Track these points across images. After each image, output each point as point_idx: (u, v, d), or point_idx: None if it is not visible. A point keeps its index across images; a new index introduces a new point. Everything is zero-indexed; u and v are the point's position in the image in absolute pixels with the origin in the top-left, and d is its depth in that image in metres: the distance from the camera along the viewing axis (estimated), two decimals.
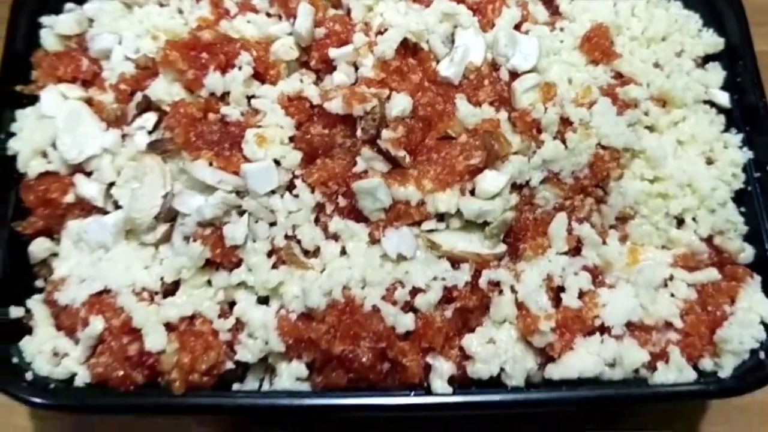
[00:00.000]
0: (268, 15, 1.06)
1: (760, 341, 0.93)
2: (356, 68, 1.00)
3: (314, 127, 0.96)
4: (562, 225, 0.94)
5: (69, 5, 1.10)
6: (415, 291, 0.89)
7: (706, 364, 0.93)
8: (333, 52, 0.99)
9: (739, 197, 1.03)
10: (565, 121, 0.97)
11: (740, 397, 0.91)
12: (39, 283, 1.00)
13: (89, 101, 1.02)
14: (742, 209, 1.02)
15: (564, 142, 0.95)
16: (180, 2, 1.08)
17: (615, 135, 0.96)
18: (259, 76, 1.00)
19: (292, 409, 0.88)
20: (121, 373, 0.88)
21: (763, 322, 0.94)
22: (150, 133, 0.98)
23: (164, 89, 0.98)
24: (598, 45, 1.03)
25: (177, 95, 0.98)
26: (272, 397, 0.89)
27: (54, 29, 1.07)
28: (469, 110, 0.96)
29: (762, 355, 0.93)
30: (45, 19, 1.08)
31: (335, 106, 0.94)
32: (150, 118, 0.98)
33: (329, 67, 1.01)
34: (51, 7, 1.09)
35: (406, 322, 0.88)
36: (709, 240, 1.00)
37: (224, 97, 0.99)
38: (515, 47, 0.99)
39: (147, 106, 0.98)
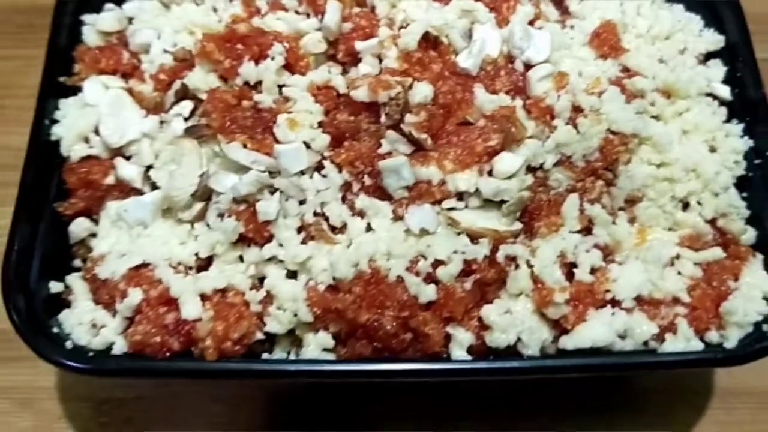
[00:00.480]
0: (297, 13, 1.13)
1: (763, 314, 0.98)
2: (380, 60, 1.06)
3: (341, 114, 1.03)
4: (574, 205, 1.00)
5: (109, 5, 1.18)
6: (436, 264, 0.95)
7: (713, 336, 0.98)
8: (359, 45, 1.06)
9: (741, 183, 1.08)
10: (577, 109, 1.03)
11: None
12: (77, 263, 1.05)
13: (129, 91, 1.08)
14: (744, 194, 1.08)
15: (576, 127, 1.01)
16: (214, 1, 1.15)
17: (624, 121, 1.02)
18: (290, 67, 1.06)
19: (316, 373, 0.93)
20: (158, 339, 0.92)
21: (765, 298, 0.99)
22: (186, 119, 1.04)
23: (201, 79, 1.04)
24: (606, 40, 1.10)
25: (213, 84, 1.04)
26: (299, 364, 0.95)
27: (95, 26, 1.14)
28: (486, 98, 1.02)
29: (766, 327, 0.97)
30: (87, 17, 1.15)
31: (361, 93, 1.00)
32: (187, 106, 1.04)
33: (355, 59, 1.07)
34: (92, 7, 1.17)
35: (429, 293, 0.93)
36: (713, 222, 1.05)
37: (257, 86, 1.05)
38: (529, 41, 1.06)
39: (184, 94, 1.05)
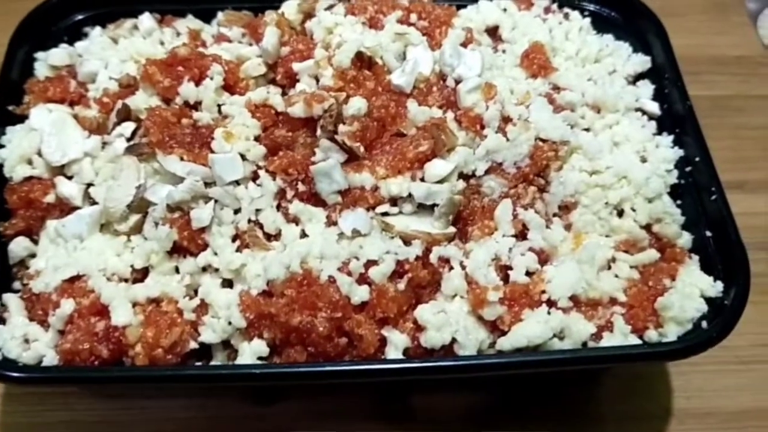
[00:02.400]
0: (240, 44, 1.18)
1: (702, 312, 0.98)
2: (317, 81, 1.10)
3: (279, 130, 1.06)
4: (507, 209, 1.02)
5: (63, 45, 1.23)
6: (369, 264, 0.95)
7: (651, 335, 0.97)
8: (296, 66, 1.10)
9: (674, 192, 1.11)
10: (506, 119, 1.07)
11: None
12: (17, 285, 1.05)
13: (75, 117, 1.11)
14: (678, 202, 1.10)
15: (505, 135, 1.04)
16: (162, 35, 1.20)
17: (551, 128, 1.05)
18: (230, 89, 1.10)
19: (244, 377, 0.91)
20: (87, 346, 0.91)
21: (703, 296, 0.99)
22: (129, 140, 1.07)
23: (143, 100, 1.08)
24: (535, 60, 1.15)
25: (156, 105, 1.08)
26: (227, 368, 0.93)
27: (47, 61, 1.19)
28: (418, 110, 1.05)
29: (704, 324, 0.97)
30: (39, 54, 1.20)
31: (298, 109, 1.04)
32: (129, 127, 1.07)
33: (293, 81, 1.12)
34: (46, 47, 1.22)
35: (361, 293, 0.93)
36: (648, 228, 1.06)
37: (197, 107, 1.09)
38: (460, 59, 1.11)
39: (126, 115, 1.08)
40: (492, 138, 1.04)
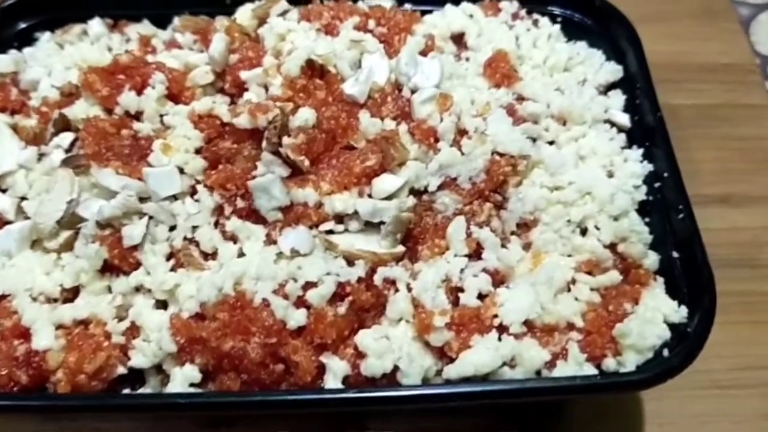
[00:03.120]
0: (191, 50, 1.13)
1: (663, 339, 0.91)
2: (267, 90, 1.05)
3: (224, 142, 1.01)
4: (460, 227, 0.96)
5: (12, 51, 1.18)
6: (307, 286, 0.89)
7: (609, 363, 0.91)
8: (244, 74, 1.05)
9: (642, 209, 1.04)
10: (462, 132, 1.01)
11: None
12: None
13: (14, 126, 1.07)
14: (647, 219, 1.03)
15: (460, 148, 0.99)
16: (109, 40, 1.16)
17: (509, 141, 0.99)
18: (175, 98, 1.05)
19: (166, 406, 0.86)
20: (5, 371, 0.86)
21: (667, 322, 0.93)
22: (67, 151, 1.02)
23: (83, 110, 1.03)
24: (498, 69, 1.09)
25: (94, 115, 1.03)
26: (147, 398, 0.88)
27: None
28: (370, 122, 1.00)
29: (666, 353, 0.91)
30: None
31: (243, 120, 0.98)
32: (67, 137, 1.02)
33: (242, 90, 1.07)
34: None
35: (298, 317, 0.88)
36: (613, 247, 1.00)
37: (140, 117, 1.04)
38: (416, 67, 1.05)
39: (65, 125, 1.03)
40: (445, 152, 0.98)
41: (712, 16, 1.70)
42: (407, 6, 1.23)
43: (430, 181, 0.98)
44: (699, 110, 1.51)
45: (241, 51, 1.07)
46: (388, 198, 0.95)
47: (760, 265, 1.29)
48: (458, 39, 1.19)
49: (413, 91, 1.04)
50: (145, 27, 1.20)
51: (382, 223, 0.94)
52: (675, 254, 0.99)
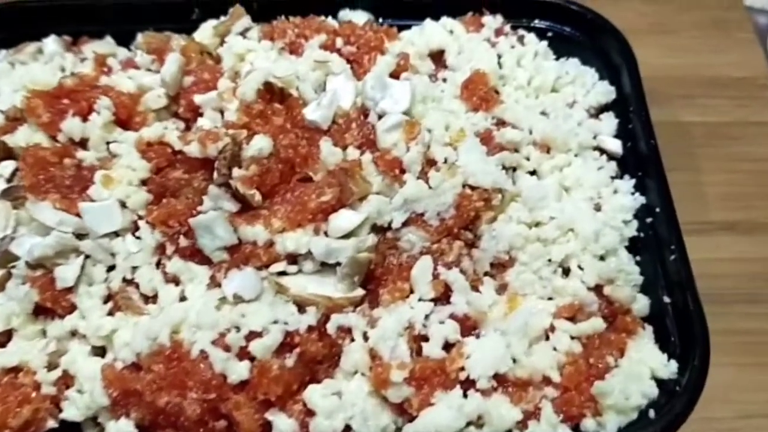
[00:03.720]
0: (149, 71, 1.06)
1: (649, 398, 0.82)
2: (223, 114, 0.97)
3: (175, 172, 0.93)
4: (426, 269, 0.87)
5: None
6: (252, 336, 0.81)
7: (588, 425, 0.82)
8: (198, 98, 0.97)
9: (633, 246, 0.95)
10: (432, 163, 0.92)
11: None
12: None
13: None
14: (637, 258, 0.94)
15: (428, 181, 0.90)
16: (63, 60, 1.09)
17: (482, 173, 0.90)
18: (125, 123, 0.98)
19: None
20: None
21: (654, 377, 0.84)
22: (8, 181, 0.95)
23: (25, 137, 0.96)
24: (476, 91, 1.00)
25: (40, 143, 0.96)
26: None
27: None
28: (331, 151, 0.91)
29: (652, 413, 0.81)
30: None
31: (194, 149, 0.91)
32: (8, 166, 0.95)
33: (197, 114, 0.99)
34: None
35: (239, 370, 0.80)
36: (599, 290, 0.91)
37: (86, 144, 0.96)
38: (384, 91, 0.96)
39: (6, 153, 0.96)
40: (411, 185, 0.89)
41: (724, 26, 1.58)
42: (385, 21, 1.14)
43: (394, 216, 0.89)
44: (708, 128, 1.40)
45: (197, 73, 0.99)
46: (347, 236, 0.86)
47: None
48: (438, 57, 1.10)
49: (381, 117, 0.96)
50: (105, 45, 1.13)
51: (338, 264, 0.85)
52: (666, 299, 0.89)
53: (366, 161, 0.92)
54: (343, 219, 0.86)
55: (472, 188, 0.91)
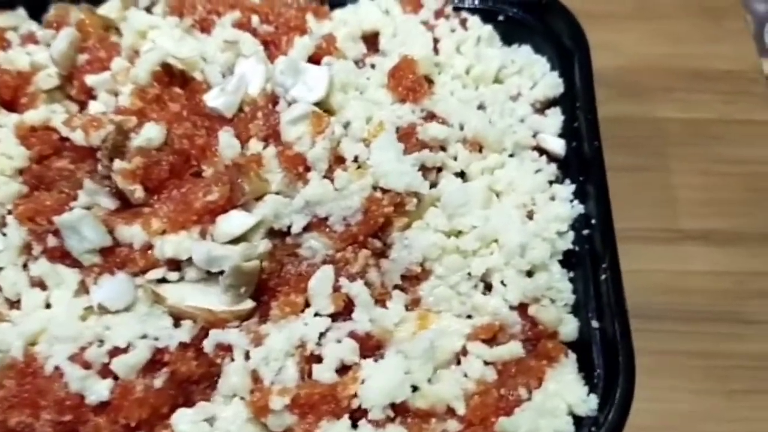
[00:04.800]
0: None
1: None
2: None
3: (60, 161, 0.84)
4: (325, 280, 0.78)
5: None
6: (116, 352, 0.72)
7: None
8: (90, 79, 0.88)
9: (568, 260, 0.85)
10: (341, 161, 0.82)
11: None
12: None
13: None
14: (572, 274, 0.84)
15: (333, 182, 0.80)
16: None
17: (395, 175, 0.80)
18: (9, 105, 0.89)
19: None
20: None
21: (571, 413, 0.74)
22: None
23: None
24: (403, 79, 0.89)
25: None
26: None
27: None
28: (229, 143, 0.82)
29: None
30: None
31: (77, 136, 0.82)
32: None
33: (91, 97, 0.89)
34: None
35: (99, 390, 0.71)
36: (523, 309, 0.81)
37: None
38: (297, 77, 0.86)
39: None
40: (314, 185, 0.79)
41: (715, 14, 1.44)
42: None
43: (294, 220, 0.79)
44: (687, 125, 1.28)
45: (92, 50, 0.90)
46: (236, 241, 0.77)
47: (742, 320, 1.06)
48: (372, 40, 0.99)
49: (292, 105, 0.86)
50: (12, 17, 1.03)
51: (222, 273, 0.76)
52: (595, 323, 0.79)
53: (269, 155, 0.82)
54: (232, 222, 0.77)
55: (384, 191, 0.81)
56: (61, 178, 0.82)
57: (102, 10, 0.96)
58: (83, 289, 0.77)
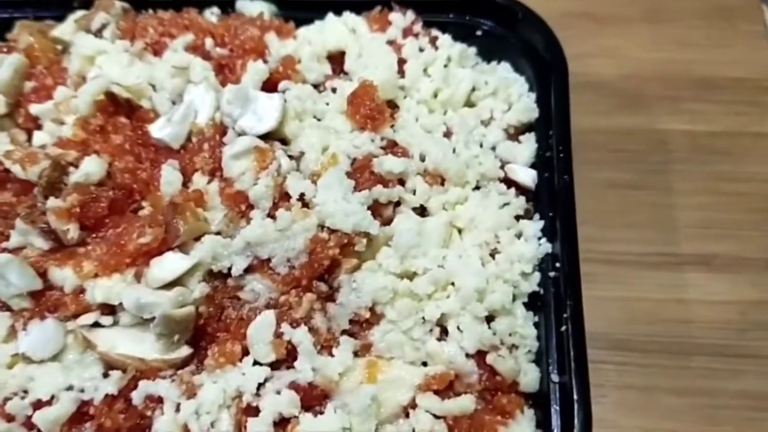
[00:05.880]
0: None
1: None
2: None
3: (2, 195, 0.81)
4: (265, 326, 0.73)
5: None
6: (39, 405, 0.69)
7: None
8: (34, 108, 0.85)
9: (533, 303, 0.79)
10: (287, 198, 0.77)
11: None
12: None
13: None
14: (536, 319, 0.78)
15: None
16: None
17: (341, 214, 0.75)
18: None
19: None
20: None
21: None
22: None
23: None
24: (359, 107, 0.84)
25: None
26: None
27: None
28: (169, 179, 0.78)
29: None
30: None
31: (18, 169, 0.79)
32: None
33: (37, 126, 0.86)
34: None
35: None
36: (482, 356, 0.75)
37: None
38: (246, 105, 0.81)
39: None
40: (254, 225, 0.75)
41: (730, 16, 1.35)
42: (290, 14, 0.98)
43: (234, 261, 0.75)
44: (692, 139, 1.20)
45: (39, 77, 0.86)
46: (171, 284, 0.73)
47: (741, 354, 0.99)
48: (339, 58, 0.93)
49: (241, 136, 0.81)
50: None
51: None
52: (555, 377, 0.73)
53: (213, 191, 0.78)
54: (165, 265, 0.73)
55: (331, 231, 0.75)
56: (1, 213, 0.79)
57: (56, 31, 0.93)
58: (13, 333, 0.74)
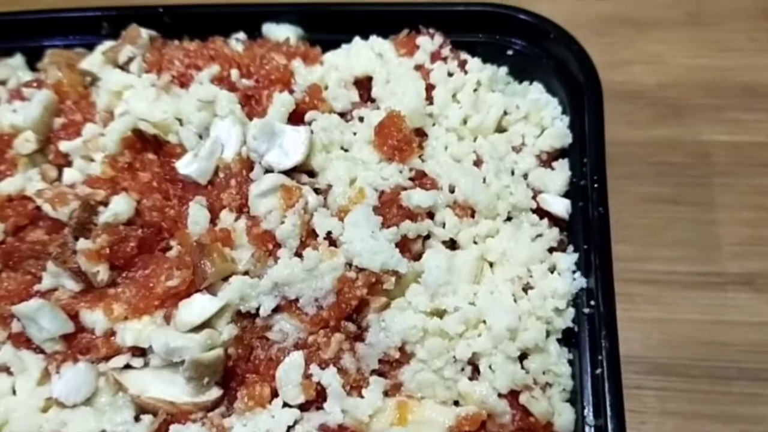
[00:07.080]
0: None
1: None
2: None
3: (35, 232, 0.82)
4: (294, 368, 0.72)
5: None
6: None
7: None
8: (64, 146, 0.85)
9: (568, 339, 0.76)
10: (314, 236, 0.76)
11: None
12: None
13: None
14: (570, 356, 0.76)
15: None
16: None
17: (369, 253, 0.74)
18: None
19: None
20: None
21: None
22: None
23: None
24: (388, 138, 0.82)
25: None
26: None
27: None
28: (197, 218, 0.77)
29: None
30: None
31: (48, 208, 0.79)
32: None
33: (68, 162, 0.87)
34: None
35: None
36: (515, 396, 0.73)
37: None
38: (272, 140, 0.80)
39: None
40: (282, 265, 0.74)
41: None
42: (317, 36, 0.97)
43: (262, 301, 0.74)
44: (735, 150, 1.15)
45: (68, 113, 0.87)
46: (199, 327, 0.72)
47: None
48: (366, 84, 0.92)
49: (268, 171, 0.80)
50: (5, 68, 1.01)
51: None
52: (591, 419, 0.70)
53: (240, 229, 0.77)
54: (194, 308, 0.73)
55: (359, 270, 0.74)
56: (32, 253, 0.80)
57: (84, 63, 0.93)
58: (47, 376, 0.75)
